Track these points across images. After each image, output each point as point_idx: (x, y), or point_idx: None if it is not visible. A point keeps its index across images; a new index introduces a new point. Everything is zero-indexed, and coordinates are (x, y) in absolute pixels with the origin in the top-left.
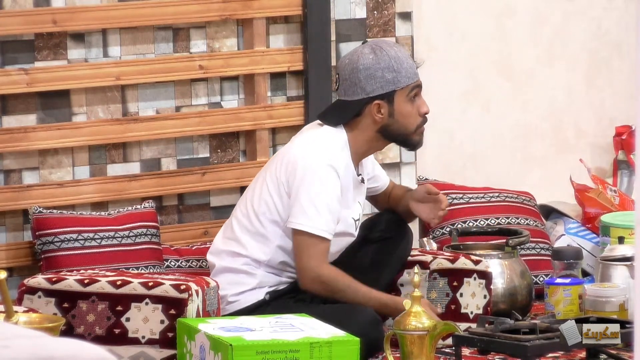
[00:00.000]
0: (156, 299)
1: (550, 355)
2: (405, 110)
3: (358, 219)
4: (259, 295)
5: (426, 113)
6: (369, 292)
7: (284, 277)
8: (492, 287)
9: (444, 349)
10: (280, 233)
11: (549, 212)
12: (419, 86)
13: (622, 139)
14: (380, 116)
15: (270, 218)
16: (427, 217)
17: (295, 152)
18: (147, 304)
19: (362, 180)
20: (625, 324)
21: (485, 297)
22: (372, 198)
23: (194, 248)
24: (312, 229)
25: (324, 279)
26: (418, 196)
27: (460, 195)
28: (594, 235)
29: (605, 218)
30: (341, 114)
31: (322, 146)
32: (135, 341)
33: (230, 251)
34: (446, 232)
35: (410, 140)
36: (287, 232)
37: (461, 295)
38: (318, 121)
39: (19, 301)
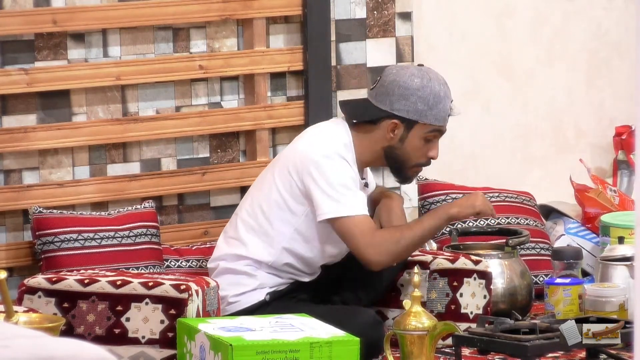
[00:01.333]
0: (156, 299)
1: (550, 355)
2: (415, 144)
3: None
4: (259, 296)
5: (433, 158)
6: (419, 225)
7: (285, 277)
8: (492, 287)
9: (444, 349)
10: (288, 234)
11: (549, 212)
12: (440, 132)
13: (622, 139)
14: (392, 136)
15: (280, 217)
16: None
17: (303, 147)
18: (147, 304)
19: (366, 185)
20: (625, 324)
21: (485, 297)
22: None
23: (194, 248)
24: (345, 212)
25: (383, 242)
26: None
27: (460, 195)
28: (594, 235)
29: (605, 218)
30: (362, 111)
31: (330, 139)
32: (135, 341)
33: (232, 253)
34: (446, 232)
35: (404, 173)
36: (296, 233)
37: (461, 295)
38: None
39: (19, 301)
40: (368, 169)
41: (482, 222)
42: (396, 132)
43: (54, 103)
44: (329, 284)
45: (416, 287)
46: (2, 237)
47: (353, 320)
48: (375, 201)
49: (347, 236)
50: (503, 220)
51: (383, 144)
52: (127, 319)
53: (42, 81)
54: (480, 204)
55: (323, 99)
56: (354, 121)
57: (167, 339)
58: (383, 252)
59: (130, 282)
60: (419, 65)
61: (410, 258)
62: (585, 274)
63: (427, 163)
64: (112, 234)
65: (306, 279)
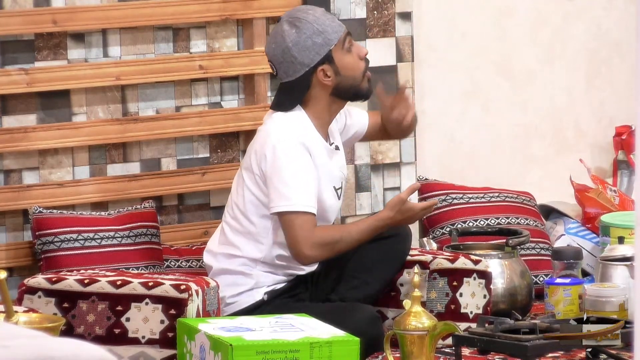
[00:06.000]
0: (156, 299)
1: (550, 355)
2: (347, 62)
3: (340, 187)
4: (257, 295)
5: (365, 54)
6: (358, 227)
7: (281, 274)
8: (492, 287)
9: (444, 349)
10: (270, 227)
11: (549, 212)
12: (348, 34)
13: (622, 139)
14: (329, 79)
15: (258, 214)
16: (397, 116)
17: (261, 140)
18: (147, 304)
19: (337, 148)
20: (625, 324)
21: (485, 297)
22: (368, 137)
23: (194, 248)
24: (292, 207)
25: (318, 241)
26: (387, 104)
27: (460, 195)
28: (594, 235)
29: (605, 218)
30: (293, 95)
31: (285, 127)
32: (135, 341)
33: (226, 253)
34: (446, 232)
35: (361, 91)
36: (277, 224)
37: (461, 295)
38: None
39: (19, 301)
40: (339, 122)
41: (482, 222)
42: (329, 74)
43: (54, 103)
44: (327, 283)
45: (416, 287)
46: (2, 237)
47: (351, 316)
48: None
49: (287, 228)
50: (503, 220)
51: (328, 92)
52: (127, 319)
53: (42, 81)
54: (417, 218)
55: None
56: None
57: (167, 339)
58: (317, 249)
59: (130, 282)
60: (277, 23)
61: (410, 258)
62: (585, 274)
63: (367, 62)
64: (112, 234)
65: (302, 272)
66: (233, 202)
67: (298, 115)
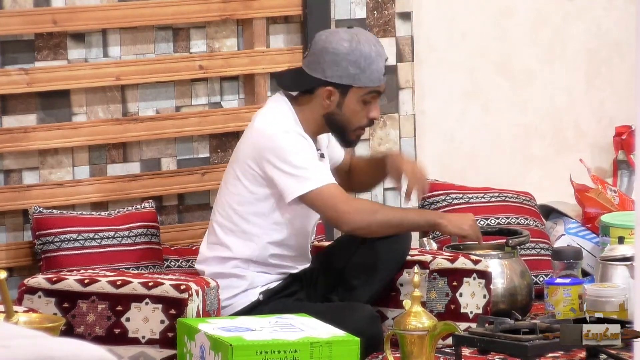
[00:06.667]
0: (156, 299)
1: (550, 355)
2: (353, 108)
3: None
4: (252, 296)
5: (374, 119)
6: (401, 211)
7: (274, 273)
8: (492, 287)
9: (444, 349)
10: (265, 225)
11: (549, 212)
12: (378, 92)
13: (622, 139)
14: (328, 102)
15: (253, 212)
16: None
17: (255, 135)
18: (147, 304)
19: (322, 155)
20: (625, 324)
21: (484, 296)
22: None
23: (194, 248)
24: (312, 185)
25: (356, 203)
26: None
27: (460, 195)
28: (594, 235)
29: (605, 218)
30: (297, 81)
31: (278, 120)
32: (135, 341)
33: (217, 256)
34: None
35: (347, 137)
36: (273, 222)
37: (461, 295)
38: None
39: (19, 301)
40: (324, 138)
41: (482, 222)
42: (332, 99)
43: (54, 103)
44: (327, 283)
45: (416, 287)
46: (2, 237)
47: (351, 316)
48: (378, 162)
49: (322, 207)
50: (503, 220)
51: (322, 112)
52: (127, 319)
53: (42, 81)
54: (469, 229)
55: None
56: (293, 94)
57: (167, 339)
58: (358, 217)
59: (130, 282)
60: (348, 27)
61: (409, 258)
62: (585, 274)
63: (370, 124)
64: (112, 234)
65: (295, 270)
66: (225, 201)
67: (289, 113)
